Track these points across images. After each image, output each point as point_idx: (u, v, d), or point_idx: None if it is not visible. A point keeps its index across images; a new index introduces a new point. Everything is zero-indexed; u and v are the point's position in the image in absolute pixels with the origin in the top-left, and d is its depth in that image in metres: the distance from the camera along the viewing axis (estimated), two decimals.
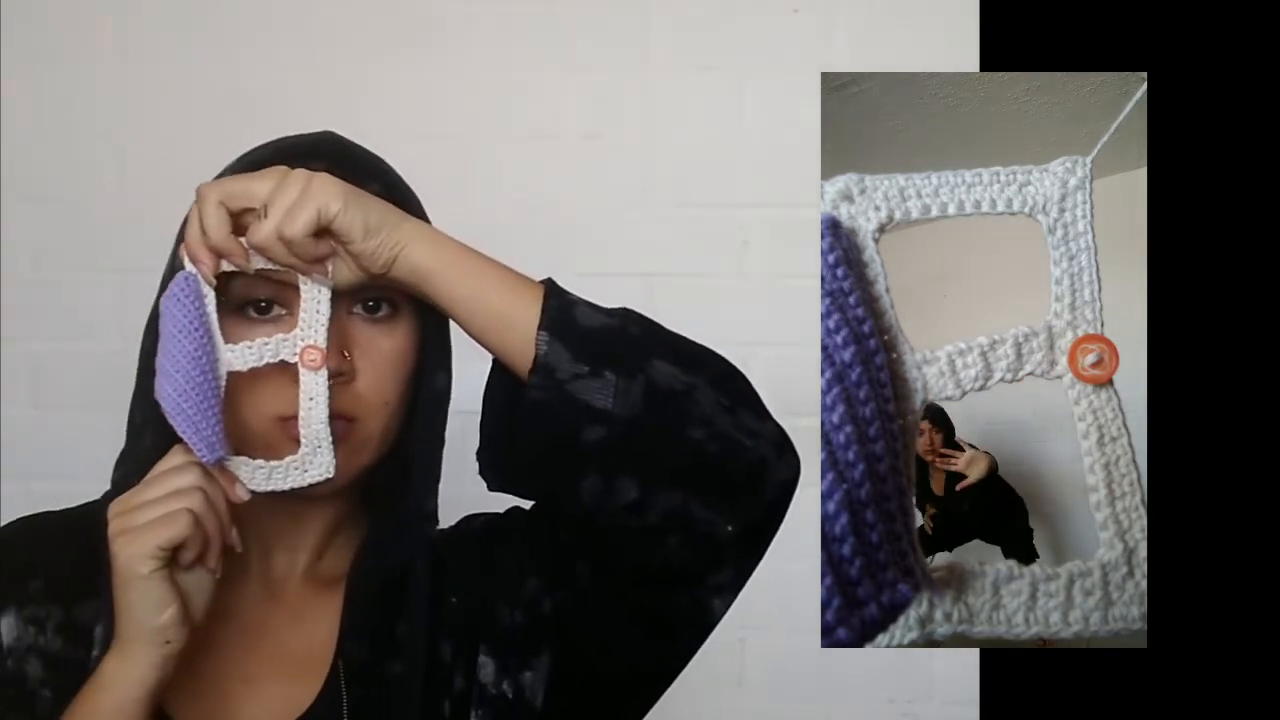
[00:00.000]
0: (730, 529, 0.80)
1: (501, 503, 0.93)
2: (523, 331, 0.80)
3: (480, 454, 0.85)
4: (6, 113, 1.76)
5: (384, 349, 0.85)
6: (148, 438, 0.84)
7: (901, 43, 1.78)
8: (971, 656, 1.67)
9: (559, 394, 0.78)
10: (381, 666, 0.85)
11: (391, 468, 0.89)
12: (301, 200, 0.77)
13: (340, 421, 0.83)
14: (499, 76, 1.77)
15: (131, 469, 0.83)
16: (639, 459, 0.78)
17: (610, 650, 0.85)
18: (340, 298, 0.83)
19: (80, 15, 1.77)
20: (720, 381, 0.82)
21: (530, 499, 0.86)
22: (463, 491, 0.92)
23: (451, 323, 0.86)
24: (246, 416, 0.83)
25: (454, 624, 0.87)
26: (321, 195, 0.77)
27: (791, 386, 1.86)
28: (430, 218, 0.91)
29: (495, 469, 0.84)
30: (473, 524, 0.95)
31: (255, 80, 1.75)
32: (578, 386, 0.78)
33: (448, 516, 0.93)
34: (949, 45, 1.75)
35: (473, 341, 0.84)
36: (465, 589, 0.89)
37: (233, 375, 0.81)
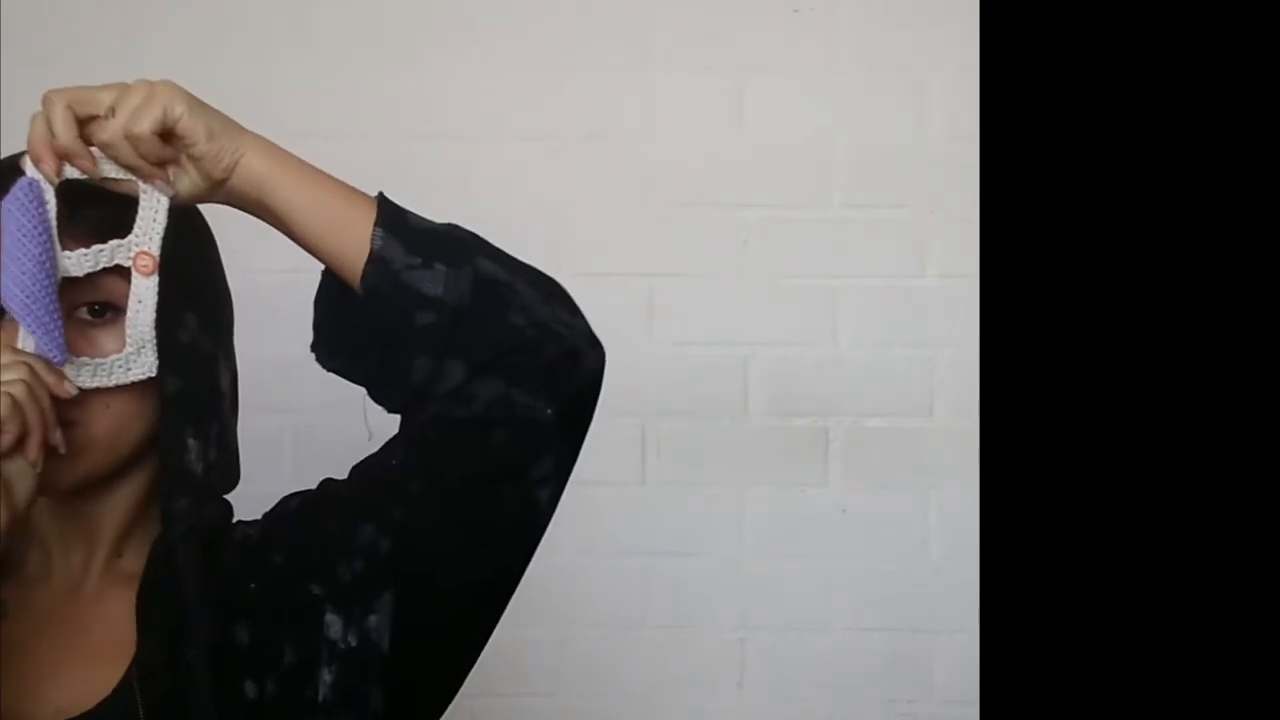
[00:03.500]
0: (550, 412, 0.86)
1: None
2: (358, 233, 0.86)
3: (315, 345, 0.91)
4: (6, 112, 1.75)
5: (106, 351, 0.87)
6: None
7: (902, 43, 1.79)
8: (971, 656, 1.67)
9: (393, 282, 0.85)
10: (175, 656, 0.87)
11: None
12: (147, 102, 0.84)
13: (61, 428, 0.84)
14: (499, 76, 1.78)
15: None
16: (466, 342, 0.85)
17: (448, 564, 0.88)
18: (64, 298, 0.85)
19: (81, 15, 1.77)
20: (538, 280, 0.89)
21: (360, 382, 0.91)
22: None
23: None
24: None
25: (252, 608, 0.89)
26: (166, 97, 0.84)
27: (792, 386, 1.87)
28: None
29: (330, 349, 0.91)
30: (288, 505, 0.97)
31: (255, 80, 1.75)
32: (411, 276, 0.85)
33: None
34: (949, 45, 1.75)
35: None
36: (274, 569, 0.91)
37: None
